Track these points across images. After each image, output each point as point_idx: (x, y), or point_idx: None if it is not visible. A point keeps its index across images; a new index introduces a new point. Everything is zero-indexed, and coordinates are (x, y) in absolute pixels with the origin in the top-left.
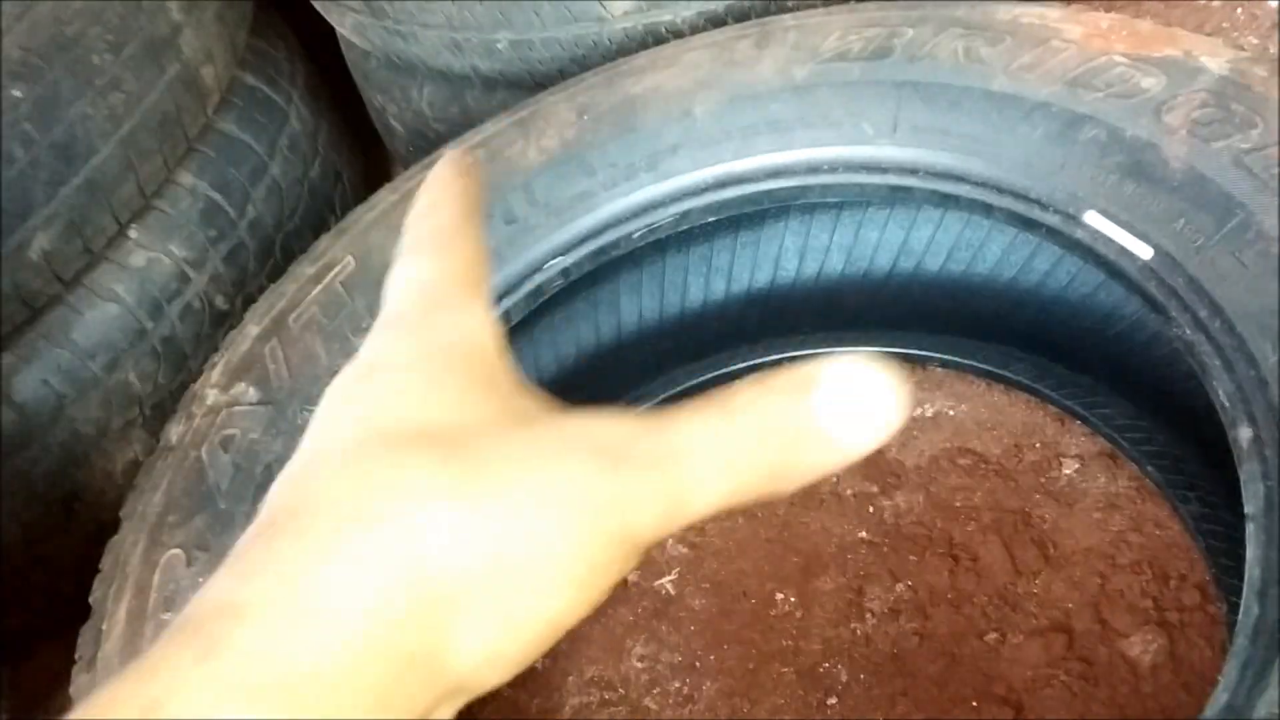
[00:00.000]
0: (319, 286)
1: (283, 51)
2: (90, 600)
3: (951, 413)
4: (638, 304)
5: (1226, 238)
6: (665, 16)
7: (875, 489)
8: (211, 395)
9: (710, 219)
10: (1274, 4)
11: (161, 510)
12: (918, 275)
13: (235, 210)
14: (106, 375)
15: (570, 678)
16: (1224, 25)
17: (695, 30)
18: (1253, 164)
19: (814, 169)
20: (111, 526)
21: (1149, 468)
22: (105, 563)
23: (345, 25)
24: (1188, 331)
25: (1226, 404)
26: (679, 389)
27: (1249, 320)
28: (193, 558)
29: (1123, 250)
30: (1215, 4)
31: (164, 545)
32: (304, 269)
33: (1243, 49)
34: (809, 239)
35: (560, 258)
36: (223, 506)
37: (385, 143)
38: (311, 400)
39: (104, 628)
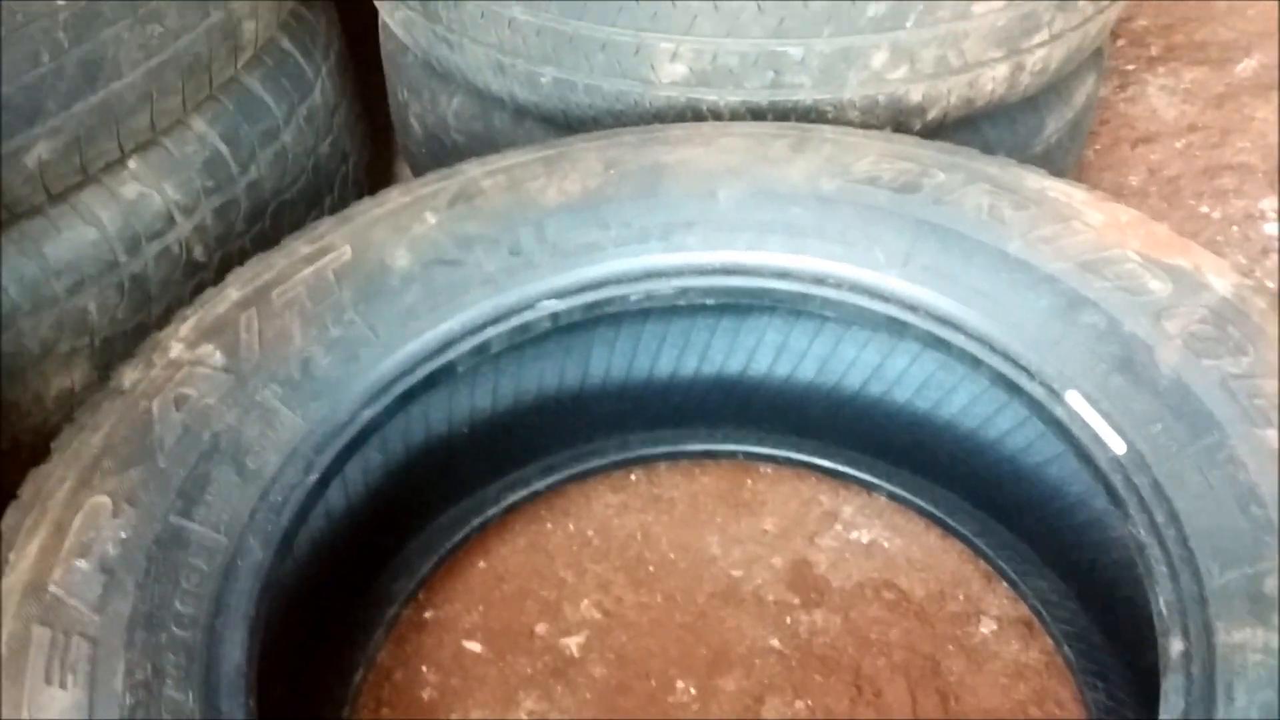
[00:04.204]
0: (311, 268)
1: (323, 23)
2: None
3: (886, 544)
4: (607, 360)
5: (1199, 453)
6: (710, 96)
7: (797, 600)
8: (176, 349)
9: (707, 301)
10: (1270, 230)
11: (98, 453)
12: (883, 401)
13: (238, 166)
14: (66, 298)
15: (454, 715)
16: (1218, 238)
17: (736, 116)
18: (1238, 389)
19: (820, 280)
20: (27, 448)
21: (1065, 647)
22: (25, 491)
23: (394, 17)
24: (1142, 533)
25: (1164, 612)
26: (631, 455)
27: (1203, 538)
28: (119, 509)
29: (1097, 438)
30: (1215, 216)
31: (92, 489)
32: (299, 247)
33: (1247, 276)
34: (788, 339)
35: (554, 301)
36: (162, 464)
37: (397, 136)
38: (275, 379)
39: (11, 558)
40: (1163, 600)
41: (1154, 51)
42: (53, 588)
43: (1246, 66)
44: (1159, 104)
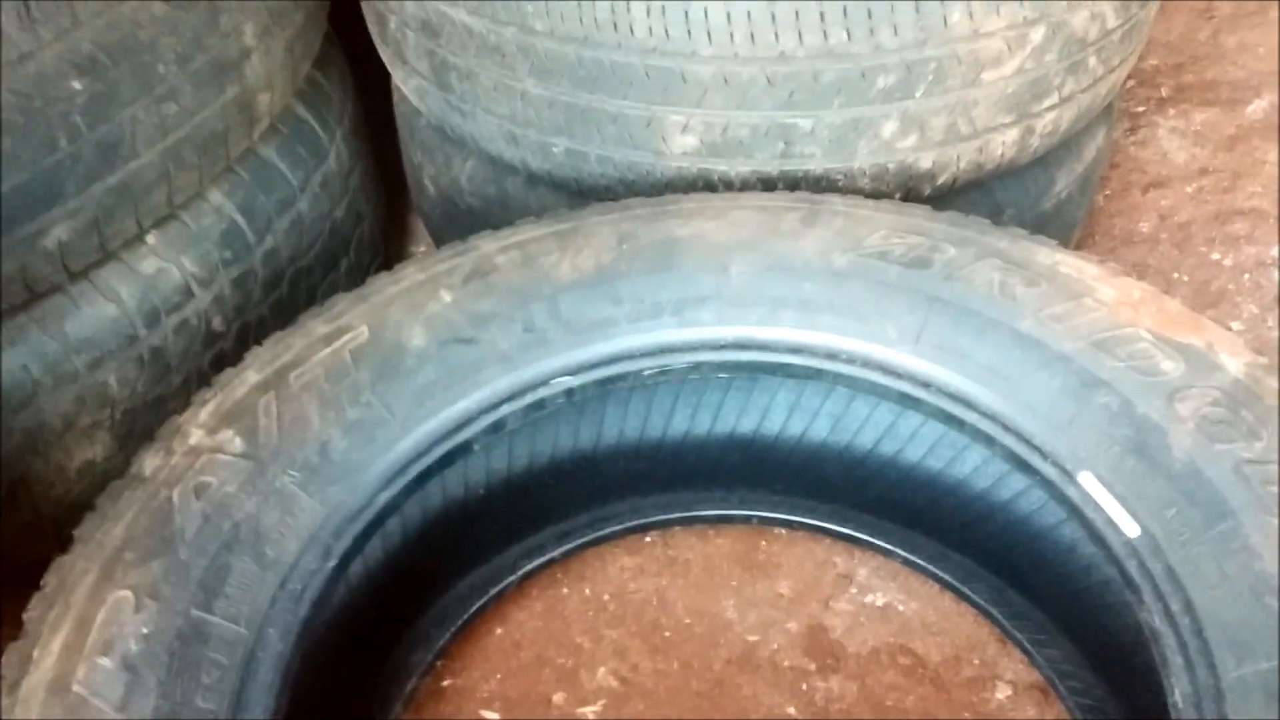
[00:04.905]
0: (328, 349)
1: (337, 87)
2: (25, 617)
3: (901, 608)
4: (620, 422)
5: (1213, 540)
6: (721, 166)
7: (813, 667)
8: (195, 435)
9: (721, 375)
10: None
11: (120, 544)
12: (897, 461)
13: (255, 236)
14: (87, 373)
15: None
16: (1229, 287)
17: (746, 186)
18: (1251, 475)
19: (833, 356)
20: (50, 521)
21: (1078, 716)
22: (49, 582)
23: (407, 85)
24: (1156, 620)
25: (1180, 704)
26: (645, 520)
27: (1219, 629)
28: (141, 604)
29: (1110, 521)
30: (1226, 263)
31: (115, 583)
32: (316, 326)
33: (1261, 354)
34: (801, 398)
35: (569, 378)
36: (183, 556)
37: (411, 195)
38: (294, 464)
39: (35, 654)
40: (1179, 692)
41: (1164, 92)
42: (76, 687)
43: (1257, 107)
44: (1170, 147)
